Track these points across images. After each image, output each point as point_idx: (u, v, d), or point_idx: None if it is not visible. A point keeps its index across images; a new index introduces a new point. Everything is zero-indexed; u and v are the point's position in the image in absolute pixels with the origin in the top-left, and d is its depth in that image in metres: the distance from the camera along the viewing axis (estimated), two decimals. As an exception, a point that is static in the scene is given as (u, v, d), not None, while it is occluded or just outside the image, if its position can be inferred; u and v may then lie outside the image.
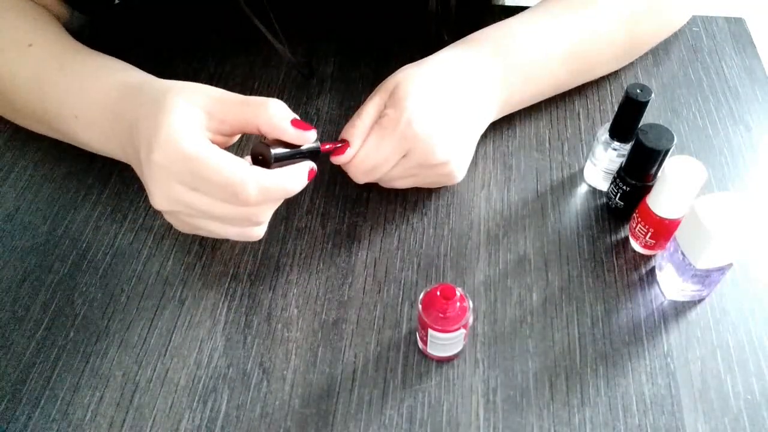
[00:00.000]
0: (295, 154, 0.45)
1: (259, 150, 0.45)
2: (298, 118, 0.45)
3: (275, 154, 0.44)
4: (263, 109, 0.43)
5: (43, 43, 0.53)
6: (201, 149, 0.41)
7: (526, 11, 0.57)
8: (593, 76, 0.61)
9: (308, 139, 0.45)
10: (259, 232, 0.47)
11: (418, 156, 0.48)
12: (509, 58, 0.53)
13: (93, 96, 0.49)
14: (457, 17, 0.61)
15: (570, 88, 0.60)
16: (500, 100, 0.54)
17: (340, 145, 0.49)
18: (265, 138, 0.45)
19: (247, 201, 0.42)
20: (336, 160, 0.49)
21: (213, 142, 0.43)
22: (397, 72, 0.51)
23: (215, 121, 0.44)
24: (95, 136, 0.50)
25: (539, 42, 0.54)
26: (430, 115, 0.48)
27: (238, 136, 0.47)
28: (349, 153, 0.48)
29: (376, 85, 0.51)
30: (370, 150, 0.48)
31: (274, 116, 0.43)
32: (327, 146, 0.48)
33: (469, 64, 0.52)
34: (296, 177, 0.45)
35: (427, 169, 0.50)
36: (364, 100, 0.51)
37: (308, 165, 0.46)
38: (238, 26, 0.67)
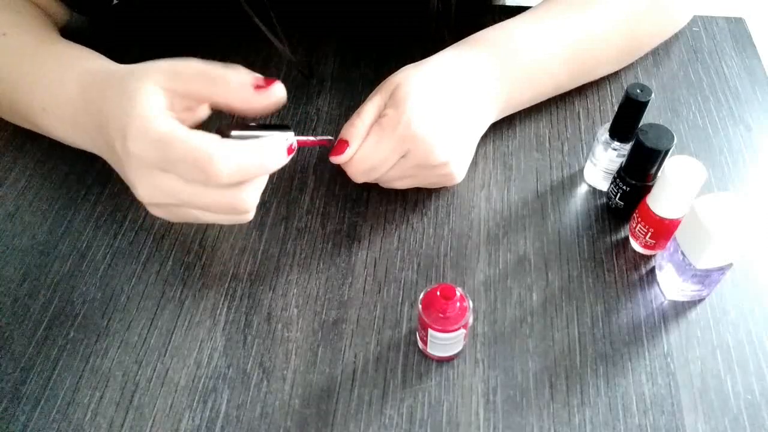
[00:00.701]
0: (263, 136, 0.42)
1: (221, 131, 0.42)
2: (260, 78, 0.42)
3: (234, 135, 0.41)
4: (223, 83, 0.41)
5: (18, 34, 0.53)
6: (168, 130, 0.39)
7: (527, 12, 0.57)
8: (594, 77, 0.61)
9: (274, 93, 0.42)
10: (248, 213, 0.45)
11: (417, 157, 0.48)
12: (509, 59, 0.53)
13: (57, 87, 0.48)
14: (458, 17, 0.61)
15: (571, 88, 0.60)
16: (500, 101, 0.54)
17: (313, 138, 0.48)
18: (231, 117, 0.42)
19: (218, 178, 0.39)
20: (335, 159, 0.48)
21: (180, 118, 0.42)
22: (397, 72, 0.51)
23: (176, 98, 0.42)
24: (65, 128, 0.50)
25: (540, 43, 0.54)
26: (429, 116, 0.48)
27: (206, 110, 0.45)
28: (348, 153, 0.48)
29: (376, 85, 0.51)
30: (369, 150, 0.48)
31: (234, 88, 0.41)
32: (305, 139, 0.46)
33: (469, 65, 0.52)
34: (272, 152, 0.42)
35: (426, 170, 0.50)
36: (364, 100, 0.51)
37: (285, 138, 0.43)
38: (238, 26, 0.67)
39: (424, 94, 0.48)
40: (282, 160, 0.43)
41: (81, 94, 0.46)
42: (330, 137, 0.49)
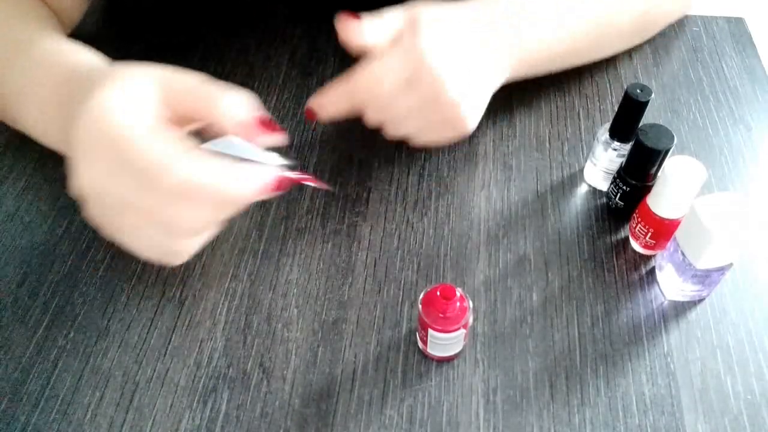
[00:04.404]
0: (249, 160, 0.38)
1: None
2: (266, 116, 0.39)
3: (205, 147, 0.38)
4: (214, 104, 0.38)
5: (12, 25, 0.51)
6: (128, 125, 0.36)
7: None
8: (607, 50, 0.60)
9: (275, 139, 0.40)
10: (178, 241, 0.40)
11: (427, 89, 0.46)
12: (524, 16, 0.53)
13: (40, 79, 0.46)
14: None
15: (583, 62, 0.60)
16: (515, 58, 0.53)
17: (314, 183, 0.45)
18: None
19: (161, 184, 0.36)
20: (347, 24, 0.46)
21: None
22: (416, 2, 0.49)
23: (166, 109, 0.39)
24: (39, 122, 0.47)
25: (555, 3, 0.54)
26: (444, 51, 0.47)
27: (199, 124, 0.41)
28: (358, 26, 0.45)
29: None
30: (379, 63, 0.46)
31: (224, 116, 0.38)
32: (300, 177, 0.41)
33: (486, 17, 0.51)
34: (238, 180, 0.37)
35: (435, 107, 0.48)
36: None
37: (272, 172, 0.38)
38: (238, 26, 0.67)
39: (441, 29, 0.47)
40: (252, 191, 0.38)
41: (63, 86, 0.44)
42: (316, 179, 0.46)
